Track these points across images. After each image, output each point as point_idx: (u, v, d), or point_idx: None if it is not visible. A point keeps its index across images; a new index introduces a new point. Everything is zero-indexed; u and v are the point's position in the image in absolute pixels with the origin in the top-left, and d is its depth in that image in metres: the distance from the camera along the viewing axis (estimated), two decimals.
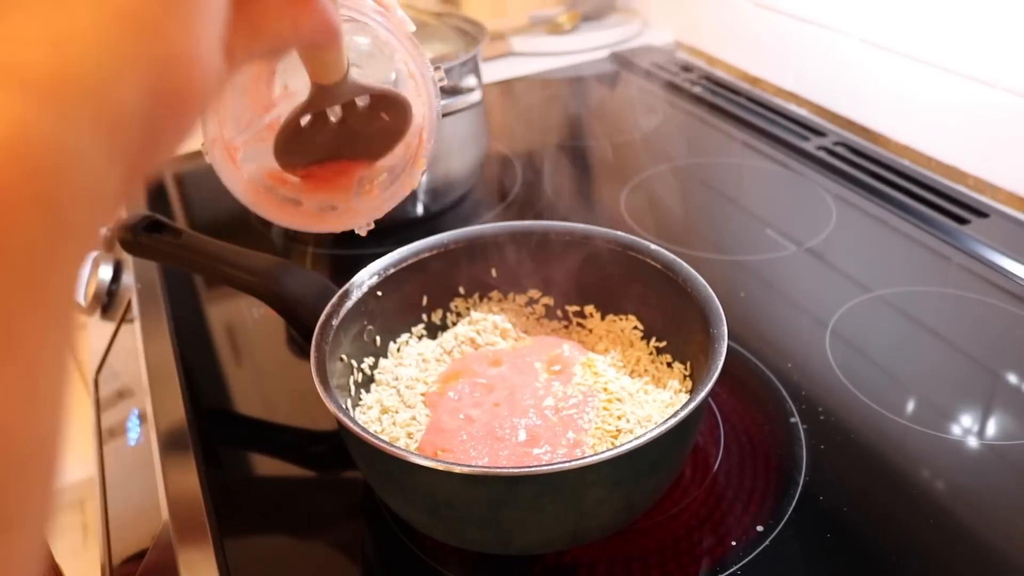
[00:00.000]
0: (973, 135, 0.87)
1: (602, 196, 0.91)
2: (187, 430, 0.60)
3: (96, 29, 0.20)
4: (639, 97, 1.15)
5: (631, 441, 0.42)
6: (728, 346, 0.48)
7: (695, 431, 0.52)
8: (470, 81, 0.81)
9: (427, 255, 0.59)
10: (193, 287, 0.77)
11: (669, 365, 0.57)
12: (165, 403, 0.62)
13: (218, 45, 0.25)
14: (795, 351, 0.65)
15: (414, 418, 0.53)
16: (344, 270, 0.61)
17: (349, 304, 0.54)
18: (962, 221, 0.80)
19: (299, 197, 0.49)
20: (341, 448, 0.53)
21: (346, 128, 0.47)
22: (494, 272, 0.61)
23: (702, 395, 0.45)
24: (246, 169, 0.47)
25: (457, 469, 0.42)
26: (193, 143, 0.30)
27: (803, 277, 0.76)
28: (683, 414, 0.43)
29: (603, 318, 0.61)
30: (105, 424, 0.75)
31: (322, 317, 0.52)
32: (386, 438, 0.49)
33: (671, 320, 0.56)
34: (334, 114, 0.46)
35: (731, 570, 0.48)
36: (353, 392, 0.55)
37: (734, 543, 0.50)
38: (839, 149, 0.95)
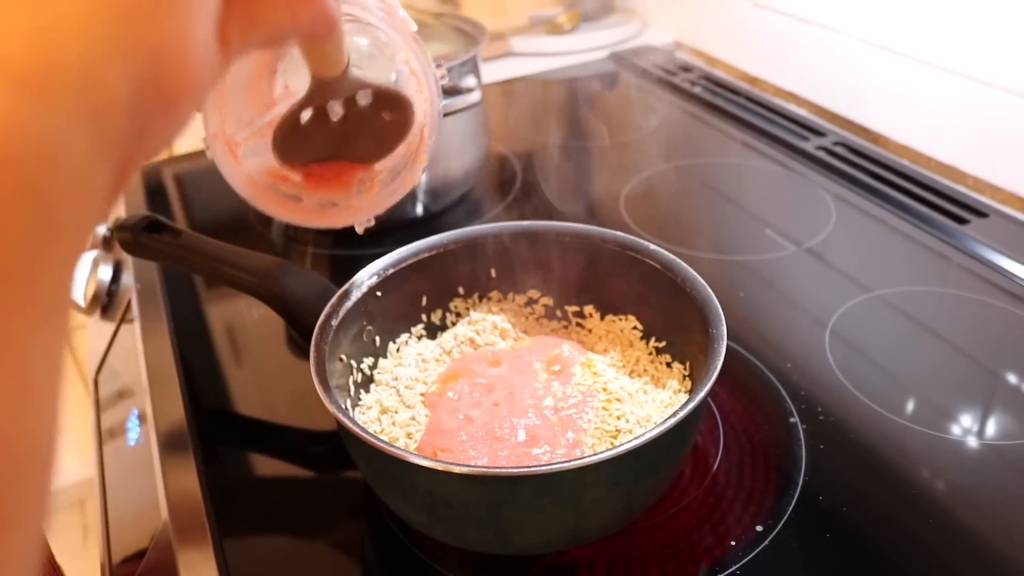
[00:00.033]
0: (973, 135, 0.87)
1: (601, 196, 0.91)
2: (187, 430, 0.60)
3: (79, 17, 0.20)
4: (639, 97, 1.15)
5: (630, 441, 0.42)
6: (727, 346, 0.48)
7: (694, 431, 0.52)
8: (470, 81, 0.81)
9: (427, 255, 0.59)
10: (193, 287, 0.77)
11: (668, 365, 0.57)
12: (165, 403, 0.62)
13: (212, 35, 0.24)
14: (794, 351, 0.65)
15: (413, 418, 0.53)
16: (344, 270, 0.61)
17: (348, 304, 0.54)
18: (962, 221, 0.80)
19: (299, 194, 0.49)
20: (341, 448, 0.53)
21: (347, 127, 0.47)
22: (494, 272, 0.61)
23: (701, 395, 0.45)
24: (247, 165, 0.47)
25: (456, 469, 0.42)
26: (193, 143, 0.30)
27: (802, 277, 0.76)
28: (682, 414, 0.43)
29: (602, 318, 0.61)
30: (105, 424, 0.75)
31: (321, 317, 0.52)
32: (385, 438, 0.49)
33: (670, 320, 0.56)
34: (335, 112, 0.46)
35: (730, 570, 0.48)
36: (352, 392, 0.55)
37: (733, 543, 0.50)
38: (838, 149, 0.95)
